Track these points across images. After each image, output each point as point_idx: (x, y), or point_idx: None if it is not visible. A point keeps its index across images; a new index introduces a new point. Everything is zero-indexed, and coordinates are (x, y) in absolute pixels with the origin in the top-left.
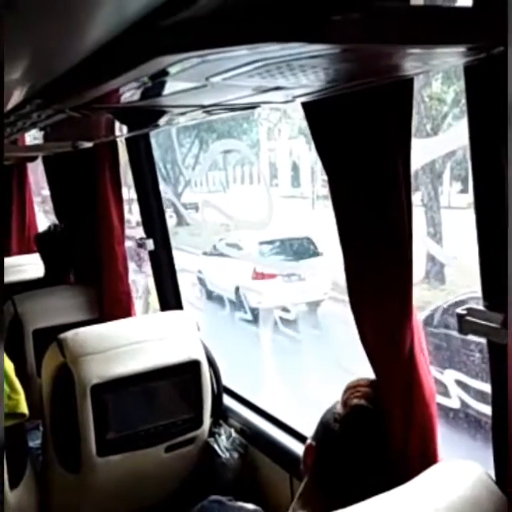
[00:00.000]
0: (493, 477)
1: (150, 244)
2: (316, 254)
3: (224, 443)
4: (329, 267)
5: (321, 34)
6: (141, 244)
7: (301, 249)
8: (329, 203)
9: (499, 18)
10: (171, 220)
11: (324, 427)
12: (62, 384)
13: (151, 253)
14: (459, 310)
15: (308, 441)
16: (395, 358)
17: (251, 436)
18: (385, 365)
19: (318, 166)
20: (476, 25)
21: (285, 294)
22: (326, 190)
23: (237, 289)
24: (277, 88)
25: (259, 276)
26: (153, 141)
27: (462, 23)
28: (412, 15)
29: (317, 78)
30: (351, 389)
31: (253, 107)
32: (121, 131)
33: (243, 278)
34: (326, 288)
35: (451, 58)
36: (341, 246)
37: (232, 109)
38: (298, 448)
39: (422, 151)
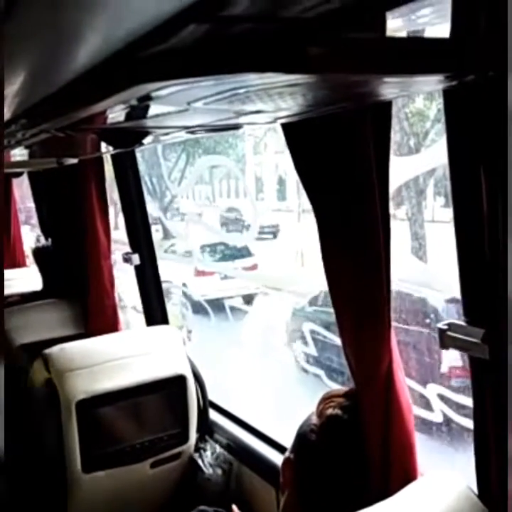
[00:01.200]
0: (475, 491)
1: (136, 258)
2: (249, 255)
3: (208, 459)
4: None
5: (298, 65)
6: (127, 259)
7: (236, 251)
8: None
9: (475, 48)
10: (157, 234)
11: (301, 439)
12: (47, 400)
13: (136, 268)
14: (440, 325)
15: (286, 454)
16: (374, 373)
17: (237, 451)
18: (365, 379)
19: None
20: (451, 55)
21: (223, 288)
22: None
23: (183, 284)
24: (258, 111)
25: (200, 273)
26: (138, 155)
27: (438, 53)
28: (388, 46)
29: (296, 103)
30: (326, 400)
31: (236, 127)
32: (106, 148)
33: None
34: (257, 283)
35: (428, 85)
36: (324, 265)
37: (216, 130)
38: None
39: (405, 168)
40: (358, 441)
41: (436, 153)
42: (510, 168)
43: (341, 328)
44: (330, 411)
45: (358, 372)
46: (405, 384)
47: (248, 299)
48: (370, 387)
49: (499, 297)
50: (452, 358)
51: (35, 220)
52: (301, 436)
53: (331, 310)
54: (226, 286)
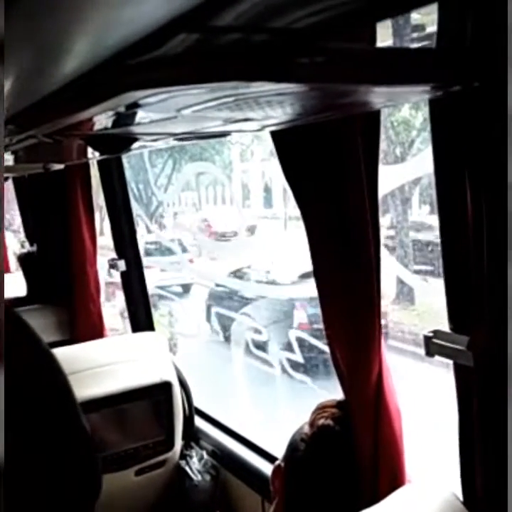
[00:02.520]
0: (461, 498)
1: (122, 265)
2: (185, 251)
3: (196, 465)
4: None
5: (287, 74)
6: (112, 265)
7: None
8: (301, 224)
9: (461, 59)
10: (143, 240)
11: (291, 448)
12: None
13: (122, 274)
14: (425, 332)
15: (277, 462)
16: (364, 381)
17: (223, 458)
18: (354, 387)
19: None
20: (437, 66)
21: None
22: (297, 212)
23: None
24: (247, 119)
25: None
26: (125, 161)
27: (423, 64)
28: (376, 56)
29: (284, 112)
30: (319, 410)
31: (224, 135)
32: (93, 154)
33: None
34: (192, 274)
35: (415, 95)
36: (313, 273)
37: (204, 137)
38: (270, 470)
39: (391, 177)
40: (348, 453)
41: (421, 162)
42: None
43: (331, 338)
44: (321, 421)
45: (348, 383)
46: (395, 390)
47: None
48: (360, 397)
49: (484, 305)
50: (300, 317)
51: (16, 226)
52: (292, 445)
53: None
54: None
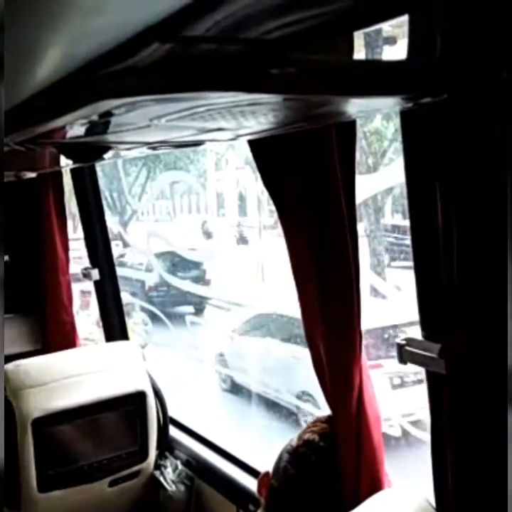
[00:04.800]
0: (434, 504)
1: (95, 274)
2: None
3: (170, 475)
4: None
5: (260, 85)
6: (86, 274)
7: None
8: (275, 232)
9: (431, 70)
10: (117, 249)
11: (278, 458)
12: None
13: (96, 283)
14: (399, 340)
15: (266, 470)
16: (347, 393)
17: (197, 468)
18: (338, 400)
19: (265, 196)
20: (408, 78)
21: None
22: (272, 220)
23: None
24: (220, 129)
25: None
26: (98, 169)
27: (394, 76)
28: (348, 68)
29: (258, 122)
30: (311, 424)
31: (198, 144)
32: (66, 162)
33: None
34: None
35: (386, 106)
36: (295, 285)
37: (178, 146)
38: (244, 479)
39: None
40: (329, 467)
41: (393, 172)
42: (467, 186)
43: (313, 353)
44: (307, 435)
45: (332, 398)
46: (375, 398)
47: None
48: (344, 411)
49: (455, 312)
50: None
51: None
52: (279, 456)
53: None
54: None
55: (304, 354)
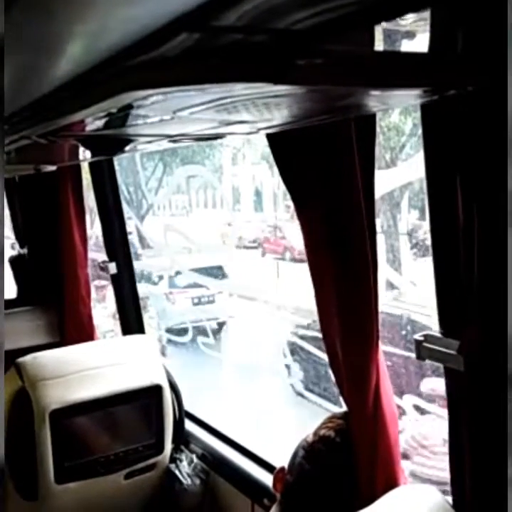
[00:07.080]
0: (450, 501)
1: (112, 267)
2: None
3: (185, 469)
4: None
5: (285, 77)
6: (103, 268)
7: None
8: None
9: (454, 63)
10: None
11: (294, 453)
12: (20, 409)
13: (113, 277)
14: (417, 336)
15: (282, 465)
16: (363, 390)
17: (213, 462)
18: (354, 397)
19: (281, 191)
20: (430, 70)
21: None
22: (288, 216)
23: None
24: (242, 122)
25: None
26: (116, 163)
27: (418, 68)
28: (373, 60)
29: (281, 114)
30: (327, 420)
31: (218, 137)
32: (85, 156)
33: None
34: None
35: (408, 99)
36: (312, 281)
37: (198, 139)
38: (260, 474)
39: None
40: (344, 463)
41: (411, 167)
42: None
43: (330, 350)
44: (324, 431)
45: (348, 395)
46: (391, 395)
47: None
48: (360, 408)
49: (474, 309)
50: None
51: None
52: (295, 451)
53: None
54: None
55: None
